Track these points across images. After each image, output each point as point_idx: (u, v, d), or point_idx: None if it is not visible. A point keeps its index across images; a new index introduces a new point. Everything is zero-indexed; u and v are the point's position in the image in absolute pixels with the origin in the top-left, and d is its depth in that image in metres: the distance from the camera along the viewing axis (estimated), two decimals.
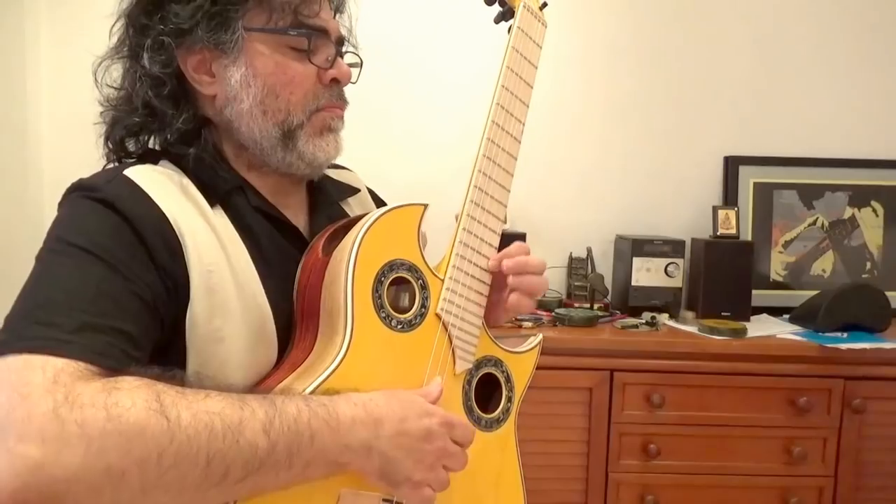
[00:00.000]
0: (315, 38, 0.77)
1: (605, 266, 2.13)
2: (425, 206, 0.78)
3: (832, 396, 1.72)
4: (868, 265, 2.13)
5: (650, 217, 2.18)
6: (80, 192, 0.70)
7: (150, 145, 0.80)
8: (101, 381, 0.55)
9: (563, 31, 2.14)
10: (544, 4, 0.93)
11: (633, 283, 1.97)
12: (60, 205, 0.72)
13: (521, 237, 1.90)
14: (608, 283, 2.10)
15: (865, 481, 1.75)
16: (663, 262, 1.96)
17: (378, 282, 0.73)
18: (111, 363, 0.58)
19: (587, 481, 1.74)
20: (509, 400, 0.87)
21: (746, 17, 2.16)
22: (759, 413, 1.73)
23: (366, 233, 0.72)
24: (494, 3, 0.94)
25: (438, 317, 0.78)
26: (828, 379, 1.72)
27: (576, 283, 2.07)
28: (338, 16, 0.86)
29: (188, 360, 0.69)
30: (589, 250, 2.09)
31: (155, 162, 0.76)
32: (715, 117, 2.18)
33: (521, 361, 0.89)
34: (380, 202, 1.01)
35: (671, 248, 1.97)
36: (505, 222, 0.86)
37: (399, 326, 0.75)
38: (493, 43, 2.15)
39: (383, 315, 0.73)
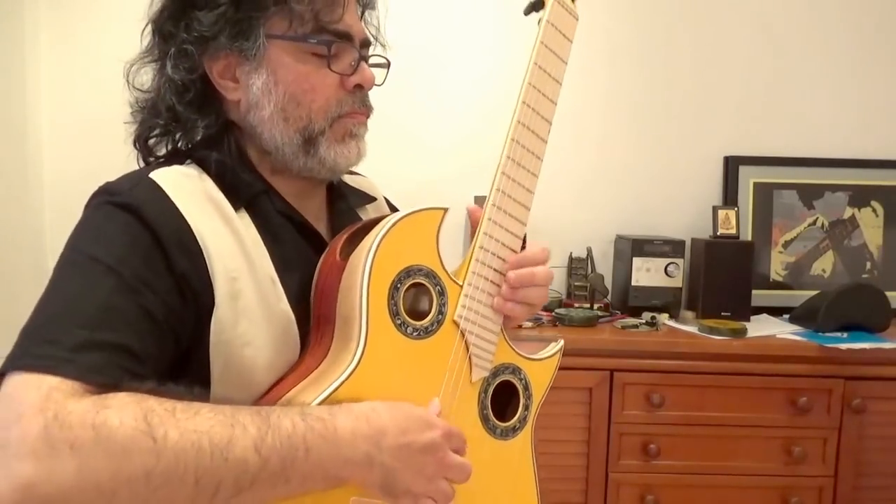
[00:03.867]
0: (336, 45, 0.76)
1: (605, 266, 2.13)
2: (445, 210, 0.76)
3: (832, 396, 1.72)
4: (868, 265, 2.13)
5: (650, 217, 2.18)
6: (103, 197, 0.70)
7: (178, 146, 0.80)
8: (92, 400, 0.56)
9: None
10: None
11: (633, 283, 1.97)
12: (86, 207, 0.72)
13: (522, 238, 1.89)
14: (608, 283, 2.10)
15: (865, 481, 1.75)
16: (663, 262, 1.96)
17: (394, 288, 0.71)
18: (107, 380, 0.59)
19: (587, 481, 1.74)
20: (526, 408, 0.84)
21: (746, 18, 2.16)
22: (759, 413, 1.73)
23: (383, 238, 0.70)
24: None
25: (456, 324, 0.76)
26: (828, 379, 1.72)
27: (576, 283, 2.07)
28: (367, 13, 0.85)
29: (212, 365, 0.69)
30: (589, 250, 2.09)
31: (181, 163, 0.76)
32: (715, 117, 2.18)
33: (541, 368, 0.87)
34: (395, 211, 1.01)
35: (671, 248, 1.97)
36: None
37: (415, 334, 0.73)
38: (494, 45, 2.16)
39: (399, 322, 0.72)
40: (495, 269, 0.80)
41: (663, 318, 1.90)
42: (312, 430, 0.62)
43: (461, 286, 0.77)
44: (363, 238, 0.74)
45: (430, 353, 0.75)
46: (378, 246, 0.70)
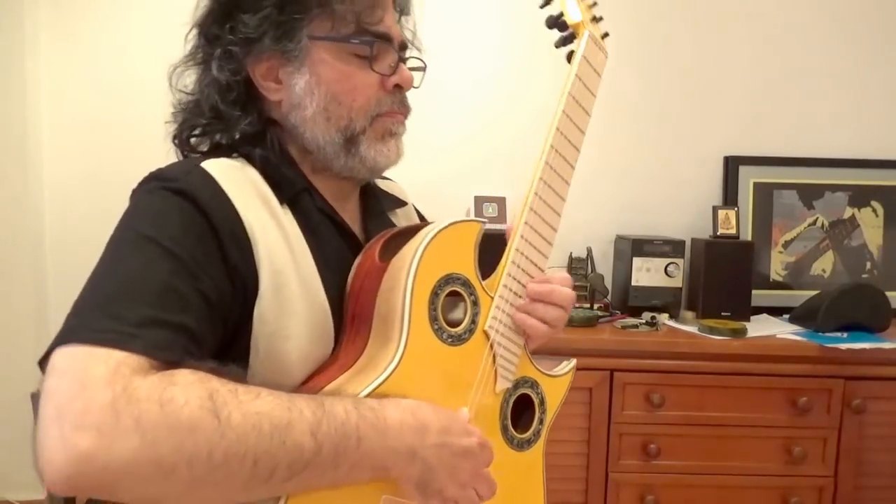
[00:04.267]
0: (377, 46, 0.78)
1: (605, 266, 2.13)
2: (483, 223, 0.79)
3: (832, 396, 1.72)
4: (868, 265, 2.14)
5: (650, 217, 2.18)
6: (157, 183, 0.70)
7: (219, 142, 0.82)
8: (158, 376, 0.56)
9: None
10: (606, 34, 0.94)
11: (633, 283, 1.97)
12: (135, 193, 0.72)
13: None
14: (608, 283, 2.10)
15: (865, 481, 1.75)
16: (663, 262, 1.96)
17: (434, 294, 0.74)
18: (171, 357, 0.59)
19: (587, 481, 1.74)
20: (541, 422, 0.87)
21: (747, 18, 2.16)
22: (759, 413, 1.73)
23: (428, 244, 0.73)
24: (555, 27, 0.93)
25: (486, 334, 0.79)
26: (828, 379, 1.72)
27: (576, 284, 2.06)
28: (403, 19, 0.87)
29: (251, 356, 0.70)
30: (589, 250, 2.09)
31: (228, 156, 0.77)
32: (715, 117, 2.18)
33: (555, 385, 0.90)
34: (421, 218, 1.03)
35: (671, 248, 1.97)
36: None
37: (450, 340, 0.75)
38: (495, 46, 2.16)
39: (436, 327, 0.74)
40: (523, 285, 0.83)
41: (663, 318, 1.90)
42: (364, 420, 0.63)
43: (493, 298, 0.80)
44: (401, 243, 0.76)
45: (462, 360, 0.77)
46: (424, 251, 0.72)
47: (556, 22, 0.92)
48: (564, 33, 0.92)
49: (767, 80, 2.17)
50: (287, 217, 0.75)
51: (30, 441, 0.55)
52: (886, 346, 1.72)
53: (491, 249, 0.83)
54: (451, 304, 0.77)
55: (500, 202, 2.07)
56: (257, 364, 0.70)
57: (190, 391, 0.56)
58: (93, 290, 0.63)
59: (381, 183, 0.96)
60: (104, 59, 2.16)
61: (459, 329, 0.76)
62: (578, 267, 2.08)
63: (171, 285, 0.62)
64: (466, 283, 0.77)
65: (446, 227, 0.75)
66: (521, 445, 0.85)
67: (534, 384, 0.87)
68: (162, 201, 0.68)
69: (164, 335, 0.60)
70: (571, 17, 0.91)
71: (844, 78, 2.17)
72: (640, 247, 1.97)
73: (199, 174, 0.71)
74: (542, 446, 0.88)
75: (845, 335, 1.80)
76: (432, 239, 0.73)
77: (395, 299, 0.72)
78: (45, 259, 2.20)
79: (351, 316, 0.77)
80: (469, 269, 0.78)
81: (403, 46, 0.84)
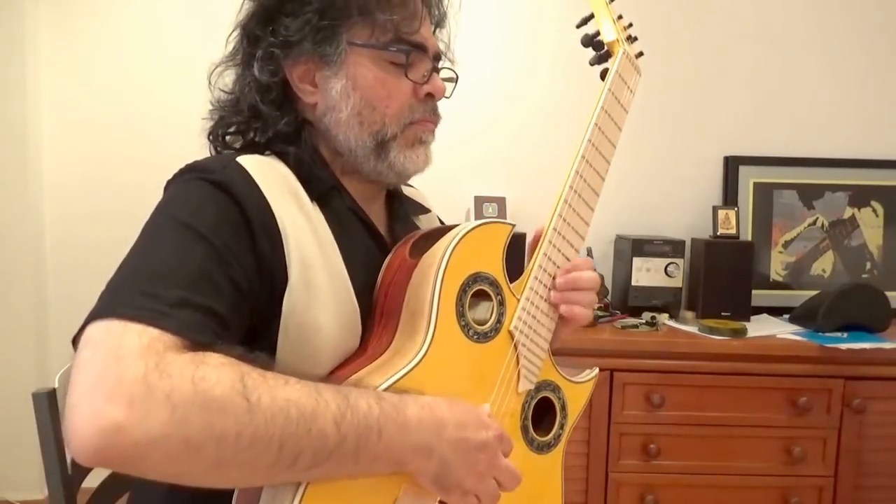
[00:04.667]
0: (413, 55, 0.81)
1: (605, 266, 2.13)
2: (513, 226, 0.81)
3: (832, 396, 1.72)
4: (868, 265, 2.14)
5: (650, 217, 2.18)
6: (194, 174, 0.73)
7: (254, 140, 0.84)
8: (191, 355, 0.57)
9: (563, 31, 2.14)
10: (640, 53, 0.97)
11: (633, 283, 1.97)
12: (170, 184, 0.74)
13: (522, 237, 1.90)
14: (608, 283, 2.10)
15: (865, 481, 1.75)
16: (663, 262, 1.96)
17: (462, 291, 0.75)
18: (203, 339, 0.60)
19: (587, 481, 1.74)
20: (562, 427, 0.88)
21: (747, 18, 2.16)
22: (759, 413, 1.73)
23: (458, 242, 0.75)
24: (590, 45, 0.96)
25: (510, 334, 0.80)
26: (828, 379, 1.72)
27: None
28: (438, 31, 0.89)
29: (280, 345, 0.71)
30: (589, 250, 2.09)
31: (262, 153, 0.80)
32: (715, 117, 2.18)
33: (577, 391, 0.91)
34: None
35: (671, 248, 1.97)
36: (578, 252, 0.90)
37: (475, 337, 0.77)
38: (495, 46, 2.16)
39: (463, 323, 0.75)
40: (549, 289, 0.85)
41: (663, 318, 1.90)
42: (386, 414, 0.64)
43: (519, 299, 0.82)
44: (431, 242, 0.78)
45: (486, 358, 0.78)
46: (454, 248, 0.74)
47: (591, 41, 0.95)
48: (599, 52, 0.95)
49: (767, 80, 2.17)
50: (316, 213, 0.77)
51: (29, 441, 0.55)
52: (886, 346, 1.72)
53: (510, 250, 0.84)
54: (475, 304, 0.79)
55: (500, 202, 2.07)
56: (286, 353, 0.71)
57: (222, 372, 0.56)
58: (129, 269, 0.64)
59: (405, 189, 0.98)
60: (104, 59, 2.16)
61: (485, 327, 0.78)
62: None
63: (205, 271, 0.64)
64: (494, 283, 0.79)
65: (477, 226, 0.77)
66: (541, 448, 0.86)
67: (556, 388, 0.88)
68: (200, 191, 0.70)
69: (197, 317, 0.61)
70: (607, 36, 0.94)
71: (844, 78, 2.17)
72: (640, 247, 1.97)
73: (236, 168, 0.73)
74: (562, 452, 0.89)
75: (845, 335, 1.80)
76: (464, 237, 0.75)
77: (423, 294, 0.73)
78: (45, 259, 2.20)
79: (380, 310, 0.79)
80: (497, 270, 0.79)
81: (437, 57, 0.87)
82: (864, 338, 1.77)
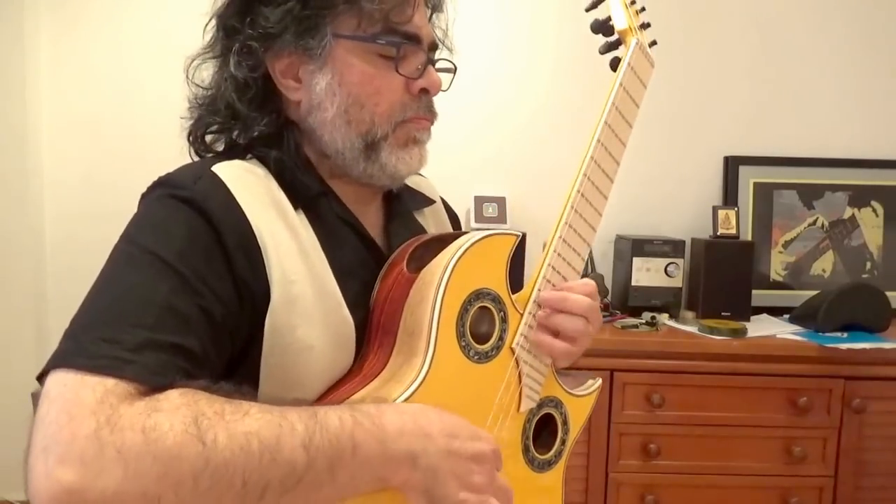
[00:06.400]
0: (405, 47, 0.74)
1: (605, 266, 2.13)
2: (518, 236, 0.75)
3: (832, 396, 1.72)
4: (868, 265, 2.13)
5: (650, 217, 2.18)
6: (165, 189, 0.68)
7: (235, 141, 0.79)
8: (144, 402, 0.55)
9: (563, 31, 2.14)
10: (654, 42, 0.89)
11: (633, 283, 1.97)
12: (143, 197, 0.70)
13: (522, 237, 1.90)
14: (608, 283, 2.10)
15: (865, 481, 1.75)
16: (663, 262, 1.96)
17: (464, 310, 0.71)
18: (164, 381, 0.57)
19: (587, 481, 1.74)
20: (563, 443, 0.85)
21: (747, 18, 2.16)
22: (759, 413, 1.73)
23: (459, 258, 0.70)
24: (600, 32, 0.88)
25: (512, 351, 0.76)
26: (828, 379, 1.72)
27: None
28: (434, 16, 0.83)
29: (262, 367, 0.68)
30: (589, 250, 2.09)
31: (242, 157, 0.75)
32: (715, 117, 2.18)
33: (579, 404, 0.87)
34: (452, 215, 1.00)
35: (671, 248, 1.97)
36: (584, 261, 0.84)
37: (476, 357, 0.73)
38: (495, 45, 2.15)
39: (463, 344, 0.71)
40: None
41: (663, 318, 1.90)
42: (360, 426, 0.60)
43: (521, 315, 0.77)
44: (429, 253, 0.73)
45: (486, 379, 0.74)
46: (455, 265, 0.69)
47: (601, 26, 0.87)
48: (610, 39, 0.88)
49: (767, 80, 2.17)
50: (302, 223, 0.72)
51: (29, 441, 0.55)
52: (886, 346, 1.72)
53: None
54: (480, 317, 0.75)
55: (500, 202, 2.07)
56: (271, 377, 0.68)
57: (175, 416, 0.54)
58: (90, 309, 0.61)
59: (408, 179, 0.89)
60: (104, 59, 2.16)
61: (486, 346, 0.74)
62: None
63: (171, 304, 0.61)
64: (496, 299, 0.74)
65: (480, 239, 0.72)
66: (542, 466, 0.83)
67: (558, 404, 0.84)
68: (167, 212, 0.66)
69: (160, 358, 0.58)
70: (619, 24, 0.86)
71: (844, 78, 2.17)
72: (640, 247, 1.97)
73: (209, 180, 0.69)
74: (563, 468, 0.86)
75: (845, 335, 1.79)
76: (465, 252, 0.70)
77: (422, 314, 0.69)
78: (45, 259, 2.20)
79: (376, 326, 0.74)
80: (500, 284, 0.75)
81: (433, 47, 0.80)
82: (864, 338, 1.77)
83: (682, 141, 2.18)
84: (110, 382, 0.55)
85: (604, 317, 1.93)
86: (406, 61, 0.75)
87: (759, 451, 1.74)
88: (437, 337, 0.68)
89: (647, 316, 1.88)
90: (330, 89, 0.74)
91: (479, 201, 2.06)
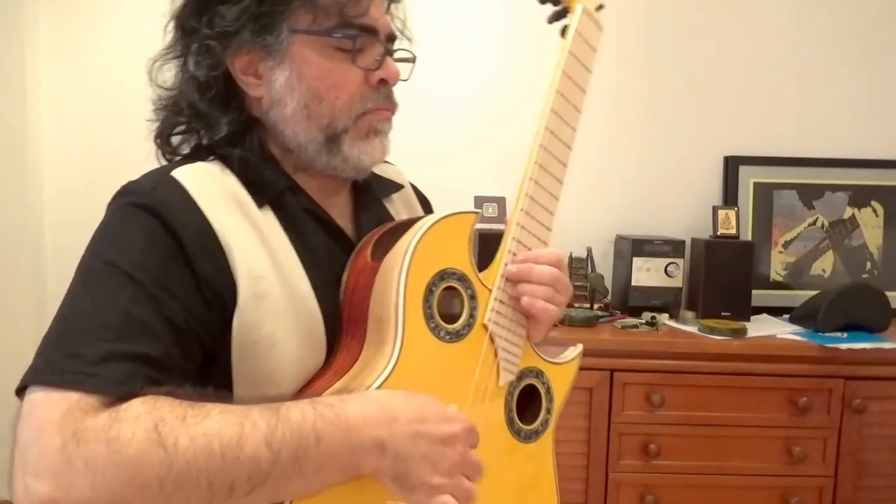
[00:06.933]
0: (361, 39, 0.75)
1: (605, 266, 2.13)
2: (477, 213, 0.76)
3: (832, 396, 1.72)
4: (868, 265, 2.13)
5: (650, 217, 2.18)
6: (125, 198, 0.70)
7: (201, 142, 0.79)
8: (107, 414, 0.57)
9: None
10: (601, 6, 0.89)
11: (633, 283, 1.97)
12: (108, 206, 0.71)
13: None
14: (608, 283, 2.09)
15: (865, 481, 1.75)
16: (663, 262, 1.96)
17: (429, 291, 0.72)
18: (128, 391, 0.59)
19: (587, 481, 1.74)
20: (548, 412, 0.85)
21: (747, 18, 2.16)
22: (759, 413, 1.73)
23: (419, 241, 0.70)
24: (548, 2, 0.89)
25: (485, 327, 0.77)
26: (828, 379, 1.72)
27: (576, 283, 2.06)
28: (393, 6, 0.83)
29: (234, 366, 0.69)
30: (589, 250, 2.09)
31: (204, 159, 0.76)
32: (715, 117, 2.18)
33: (561, 372, 0.87)
34: (422, 199, 1.00)
35: (671, 248, 1.97)
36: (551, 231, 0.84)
37: (447, 337, 0.73)
38: (497, 48, 2.16)
39: (433, 325, 0.72)
40: None
41: (663, 318, 1.90)
42: (322, 418, 0.61)
43: (490, 290, 0.78)
44: (394, 239, 0.74)
45: (461, 357, 0.75)
46: (414, 249, 0.70)
47: None
48: (557, 7, 0.89)
49: (767, 80, 2.17)
50: (267, 220, 0.73)
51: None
52: (886, 346, 1.72)
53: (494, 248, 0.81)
54: (449, 298, 0.75)
55: (500, 202, 2.07)
56: (243, 376, 0.69)
57: (136, 425, 0.56)
58: (57, 326, 0.63)
59: (377, 167, 0.89)
60: (104, 59, 2.16)
61: (457, 325, 0.74)
62: (578, 267, 2.08)
63: (132, 314, 0.62)
64: (462, 278, 0.75)
65: (437, 221, 0.73)
66: (529, 437, 0.83)
67: (539, 374, 0.85)
68: (127, 221, 0.68)
69: (123, 368, 0.60)
70: None
71: (844, 78, 2.17)
72: (640, 247, 1.97)
73: (168, 185, 0.70)
74: (552, 435, 0.86)
75: (845, 335, 1.79)
76: (423, 235, 0.71)
77: (388, 301, 0.70)
78: (45, 259, 2.20)
79: (346, 318, 0.75)
80: (464, 263, 0.75)
81: (391, 38, 0.80)
82: (864, 338, 1.77)
83: (682, 141, 2.18)
84: (74, 397, 0.57)
85: (604, 317, 1.93)
86: (363, 54, 0.76)
87: (759, 451, 1.74)
88: (404, 322, 0.69)
89: (647, 316, 1.89)
90: (289, 84, 0.74)
91: (479, 201, 2.06)
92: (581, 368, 1.58)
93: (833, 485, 1.74)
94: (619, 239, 2.10)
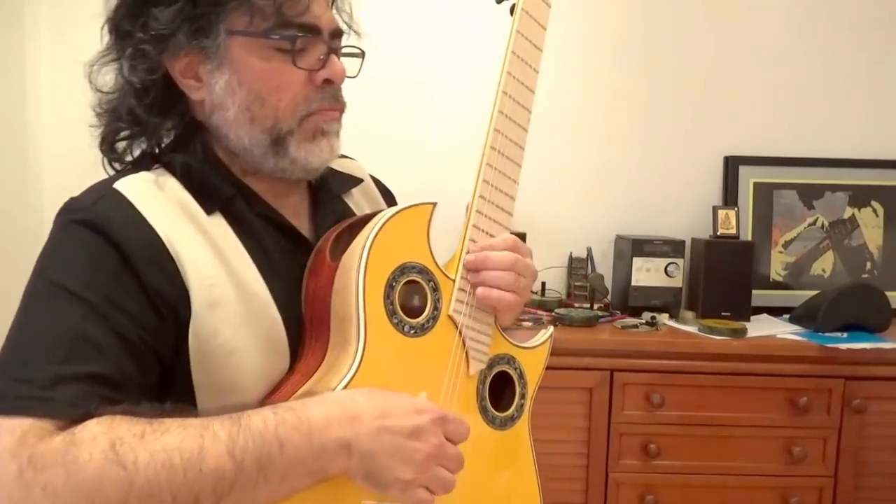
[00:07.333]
0: (302, 39, 0.72)
1: (605, 266, 2.13)
2: (434, 204, 0.75)
3: (832, 396, 1.72)
4: (868, 265, 2.13)
5: (650, 217, 2.18)
6: (66, 215, 0.69)
7: (146, 149, 0.77)
8: (62, 437, 0.56)
9: (563, 31, 2.13)
10: None
11: (633, 283, 1.97)
12: (53, 225, 0.70)
13: (522, 237, 1.90)
14: (608, 283, 2.09)
15: (865, 481, 1.75)
16: (663, 262, 1.96)
17: (389, 287, 0.71)
18: (82, 412, 0.58)
19: (587, 481, 1.74)
20: (523, 397, 0.85)
21: (746, 17, 2.16)
22: (759, 413, 1.73)
23: (375, 237, 0.70)
24: None
25: (451, 318, 0.76)
26: (828, 379, 1.72)
27: (576, 283, 2.07)
28: (338, 1, 0.81)
29: (193, 376, 0.68)
30: (589, 250, 2.09)
31: (149, 168, 0.74)
32: (715, 117, 2.18)
33: (532, 356, 0.87)
34: (385, 191, 0.98)
35: (671, 248, 1.97)
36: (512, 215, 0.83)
37: (412, 332, 0.72)
38: (492, 51, 2.15)
39: (396, 321, 0.71)
40: None
41: (663, 318, 1.90)
42: (284, 423, 0.60)
43: (454, 280, 0.77)
44: (353, 236, 0.72)
45: (428, 351, 0.74)
46: (371, 245, 0.69)
47: None
48: None
49: (767, 80, 2.17)
50: (217, 226, 0.71)
51: None
52: (886, 346, 1.72)
53: None
54: (412, 292, 0.75)
55: None
56: (203, 385, 0.68)
57: (93, 446, 0.55)
58: (6, 351, 0.62)
59: (334, 163, 0.85)
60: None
61: (421, 319, 0.73)
62: (578, 267, 2.08)
63: (81, 334, 0.61)
64: (423, 270, 0.74)
65: (394, 214, 0.72)
66: (504, 423, 0.83)
67: (510, 360, 0.84)
68: (68, 239, 0.67)
69: (75, 389, 0.59)
70: None
71: (844, 78, 2.17)
72: (640, 247, 1.97)
73: (111, 199, 0.68)
74: (528, 421, 0.86)
75: (845, 335, 1.79)
76: (379, 231, 0.70)
77: (348, 299, 0.69)
78: None
79: (309, 320, 0.74)
80: (424, 255, 0.74)
81: (337, 34, 0.77)
82: (864, 338, 1.77)
83: (681, 141, 2.18)
84: (27, 423, 0.56)
85: (604, 317, 1.93)
86: (305, 54, 0.73)
87: (759, 451, 1.74)
88: (366, 320, 0.68)
89: (647, 316, 1.88)
90: (230, 88, 0.72)
91: None
92: (581, 368, 1.57)
93: (833, 485, 1.74)
94: (619, 239, 2.10)
